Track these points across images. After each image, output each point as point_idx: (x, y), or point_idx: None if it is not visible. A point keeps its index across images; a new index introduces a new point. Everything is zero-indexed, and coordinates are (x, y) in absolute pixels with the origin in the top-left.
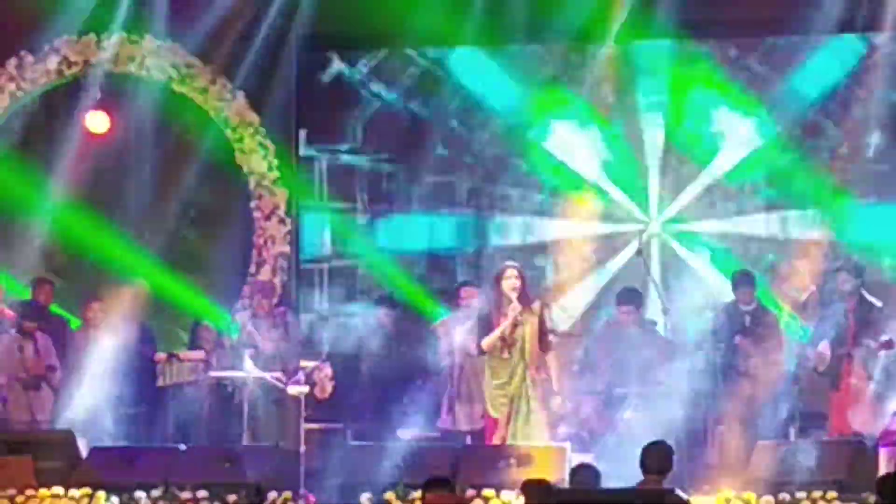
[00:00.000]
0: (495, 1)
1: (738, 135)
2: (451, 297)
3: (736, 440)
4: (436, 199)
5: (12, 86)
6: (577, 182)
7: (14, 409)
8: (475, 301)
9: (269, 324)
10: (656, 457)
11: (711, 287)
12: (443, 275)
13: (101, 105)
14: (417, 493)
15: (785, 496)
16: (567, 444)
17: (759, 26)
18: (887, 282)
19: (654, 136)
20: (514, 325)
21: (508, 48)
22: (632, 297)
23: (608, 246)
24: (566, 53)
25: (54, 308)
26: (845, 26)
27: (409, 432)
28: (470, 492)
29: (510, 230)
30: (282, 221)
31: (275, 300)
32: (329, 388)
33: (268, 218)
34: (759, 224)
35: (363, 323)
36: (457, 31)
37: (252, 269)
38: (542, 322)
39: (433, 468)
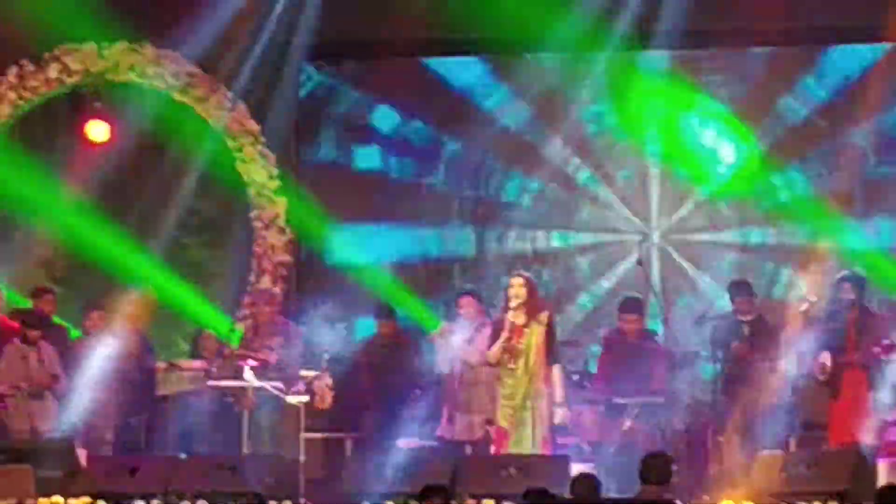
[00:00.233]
0: (497, 11)
1: (736, 145)
2: (449, 306)
3: (736, 450)
4: (436, 209)
5: (13, 94)
6: (576, 191)
7: (15, 418)
8: (473, 310)
9: (269, 333)
10: (656, 467)
11: (711, 297)
12: (442, 284)
13: (102, 114)
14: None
15: None
16: (567, 454)
17: (757, 37)
18: (888, 292)
19: (653, 145)
20: (518, 335)
21: (510, 58)
22: (635, 305)
23: (608, 256)
24: (565, 63)
25: (56, 317)
26: (843, 37)
27: (409, 442)
28: (470, 501)
29: (510, 240)
30: (282, 231)
31: (275, 309)
32: (329, 397)
33: (268, 227)
34: (759, 234)
35: (362, 332)
36: (461, 41)
37: (252, 278)
38: (548, 333)
39: (433, 477)
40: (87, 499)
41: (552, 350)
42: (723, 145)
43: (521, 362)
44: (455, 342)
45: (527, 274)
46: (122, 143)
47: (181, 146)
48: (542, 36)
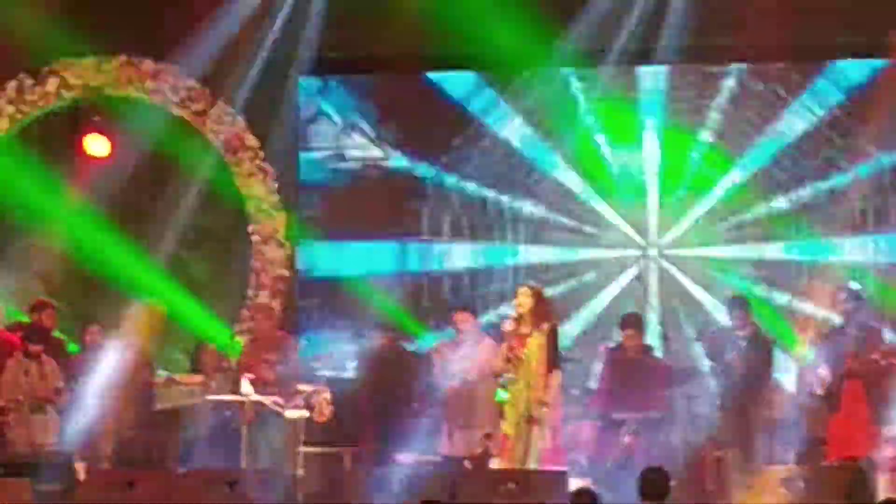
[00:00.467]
0: (495, 25)
1: (734, 162)
2: (446, 321)
3: (734, 465)
4: (436, 223)
5: (11, 108)
6: (575, 207)
7: (16, 432)
8: (469, 325)
9: (267, 347)
10: (654, 482)
11: (709, 312)
12: (441, 299)
13: (101, 128)
14: None
15: None
16: (566, 469)
17: (755, 52)
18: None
19: (652, 161)
20: (521, 345)
21: (508, 74)
22: (634, 321)
23: (607, 272)
24: (563, 79)
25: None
26: (842, 53)
27: (408, 456)
28: None
29: (508, 255)
30: (280, 245)
31: (274, 324)
32: (328, 412)
33: (266, 242)
34: (758, 250)
35: (361, 347)
36: (459, 55)
37: (251, 292)
38: (549, 342)
39: (432, 492)
40: None
41: (551, 359)
42: (719, 161)
43: (522, 372)
44: (451, 357)
45: (534, 285)
46: (121, 157)
47: (180, 161)
48: (541, 52)
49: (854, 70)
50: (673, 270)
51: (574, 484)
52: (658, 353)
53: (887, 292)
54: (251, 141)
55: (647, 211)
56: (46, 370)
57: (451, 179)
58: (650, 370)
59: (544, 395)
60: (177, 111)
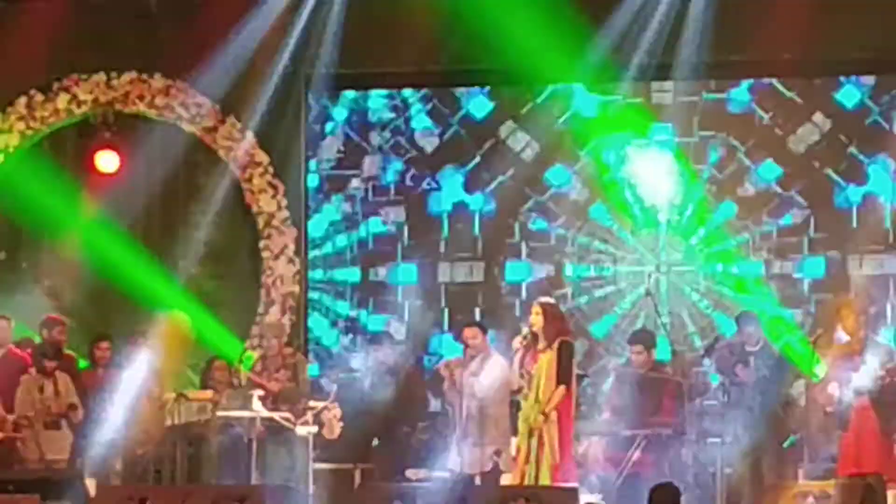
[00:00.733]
0: (504, 42)
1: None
2: (456, 336)
3: (744, 481)
4: (447, 238)
5: (21, 124)
6: (586, 223)
7: (28, 448)
8: (479, 342)
9: (278, 364)
10: (664, 498)
11: (719, 329)
12: (450, 314)
13: (111, 144)
14: None
15: None
16: (577, 485)
17: (771, 69)
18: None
19: (663, 177)
20: (533, 361)
21: (524, 89)
22: (643, 337)
23: (617, 287)
24: (575, 95)
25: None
26: (855, 69)
27: (418, 473)
28: None
29: (520, 271)
30: (291, 261)
31: (284, 340)
32: (338, 428)
33: (277, 257)
34: (768, 266)
35: (371, 363)
36: (472, 72)
37: (261, 308)
38: (559, 358)
39: None
40: None
41: (560, 375)
42: (729, 176)
43: (533, 387)
44: (459, 373)
45: (547, 301)
46: (132, 173)
47: (190, 176)
48: (556, 69)
49: (866, 86)
50: (683, 286)
51: (584, 500)
52: (668, 369)
53: None
54: (261, 156)
55: (657, 227)
56: (60, 387)
57: (465, 196)
58: (659, 386)
59: (554, 412)
60: (187, 127)
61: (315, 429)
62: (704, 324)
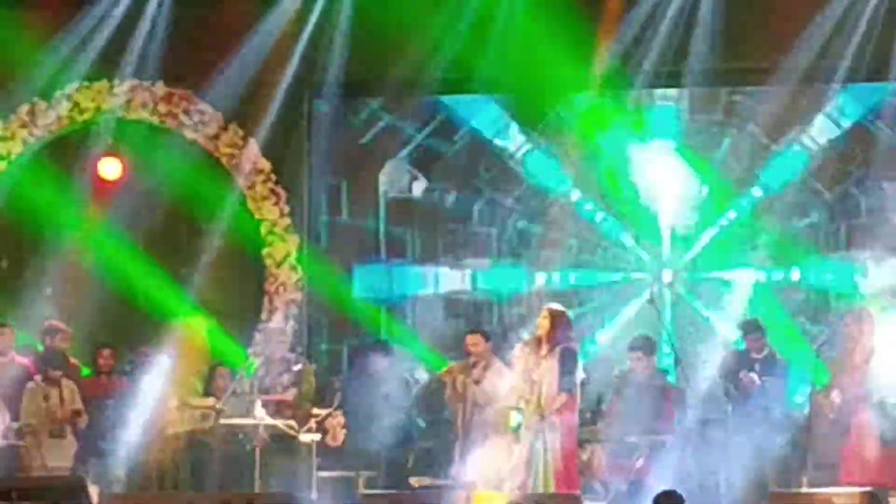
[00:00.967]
0: (513, 50)
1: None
2: (458, 344)
3: (748, 489)
4: (451, 247)
5: (24, 132)
6: (589, 231)
7: (31, 456)
8: (481, 349)
9: (280, 371)
10: None
11: (723, 336)
12: (455, 322)
13: (113, 152)
14: None
15: None
16: (579, 493)
17: (772, 75)
18: None
19: (665, 184)
20: (536, 367)
21: (525, 98)
22: (642, 343)
23: (620, 295)
24: (580, 103)
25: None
26: (854, 77)
27: (422, 481)
28: None
29: (522, 279)
30: (293, 268)
31: (286, 347)
32: (341, 435)
33: (279, 265)
34: (772, 273)
35: (374, 370)
36: (472, 80)
37: (264, 315)
38: (560, 367)
39: None
40: None
41: (560, 382)
42: (733, 184)
43: (534, 393)
44: (462, 381)
45: (557, 307)
46: (134, 180)
47: (192, 183)
48: (561, 77)
49: (873, 92)
50: (686, 294)
51: None
52: (671, 377)
53: None
54: (264, 164)
55: (660, 234)
56: (66, 394)
57: (469, 202)
58: (660, 393)
59: (556, 419)
60: (189, 134)
61: (318, 436)
62: (707, 331)
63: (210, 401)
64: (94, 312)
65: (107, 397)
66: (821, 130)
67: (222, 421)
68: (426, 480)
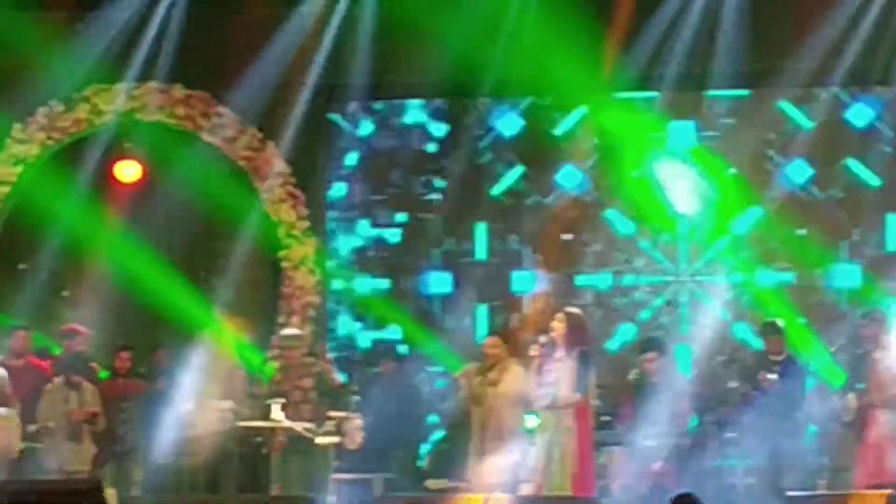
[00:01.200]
0: (535, 54)
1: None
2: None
3: (765, 492)
4: (461, 249)
5: (42, 135)
6: (607, 233)
7: (49, 459)
8: (499, 351)
9: (298, 374)
10: None
11: (741, 338)
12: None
13: (131, 154)
14: None
15: None
16: (596, 496)
17: (787, 78)
18: None
19: (685, 186)
20: (551, 370)
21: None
22: (653, 345)
23: (638, 297)
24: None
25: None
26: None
27: (438, 483)
28: None
29: (538, 281)
30: (311, 271)
31: (304, 350)
32: (359, 438)
33: (297, 268)
34: (788, 275)
35: (392, 373)
36: (493, 86)
37: (281, 318)
38: (576, 369)
39: None
40: None
41: (578, 385)
42: (750, 186)
43: (550, 397)
44: (478, 383)
45: (572, 310)
46: (151, 183)
47: (209, 186)
48: (580, 80)
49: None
50: (704, 296)
51: None
52: (689, 378)
53: None
54: (281, 166)
55: (679, 236)
56: (87, 397)
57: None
58: (675, 394)
59: (573, 423)
60: (207, 137)
61: (336, 438)
62: (726, 333)
63: (228, 403)
64: (112, 315)
65: (124, 400)
66: (839, 134)
67: (240, 423)
68: (442, 483)
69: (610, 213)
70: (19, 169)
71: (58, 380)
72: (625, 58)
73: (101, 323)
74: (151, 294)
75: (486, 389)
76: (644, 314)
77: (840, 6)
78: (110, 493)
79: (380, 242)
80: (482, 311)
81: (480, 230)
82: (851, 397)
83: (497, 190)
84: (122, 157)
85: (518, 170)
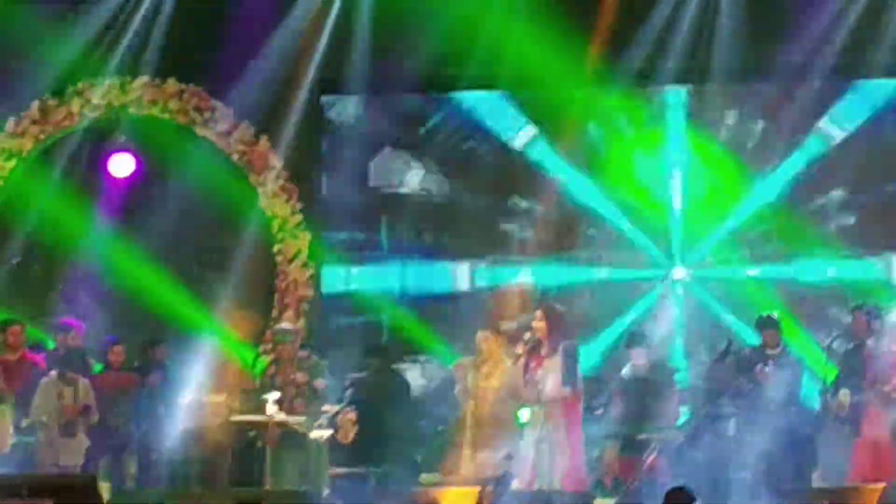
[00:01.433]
0: (528, 48)
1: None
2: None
3: (759, 486)
4: (455, 244)
5: (35, 129)
6: (600, 226)
7: (43, 453)
8: (492, 345)
9: (292, 368)
10: (678, 501)
11: (735, 332)
12: (463, 319)
13: (125, 148)
14: None
15: None
16: (590, 491)
17: (786, 70)
18: None
19: (677, 181)
20: (538, 366)
21: (533, 94)
22: (638, 340)
23: (632, 291)
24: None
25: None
26: (869, 71)
27: (433, 477)
28: None
29: (530, 275)
30: (305, 265)
31: (298, 344)
32: (352, 432)
33: (290, 262)
34: (783, 270)
35: (384, 368)
36: (487, 77)
37: (275, 313)
38: (563, 363)
39: None
40: None
41: (565, 378)
42: (744, 180)
43: (539, 392)
44: (472, 377)
45: (549, 305)
46: (145, 177)
47: (203, 180)
48: (568, 72)
49: (884, 88)
50: (697, 290)
51: None
52: (683, 374)
53: None
54: (275, 160)
55: (671, 230)
56: (80, 392)
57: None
58: (662, 388)
59: (562, 417)
60: (200, 131)
61: (330, 433)
62: (720, 327)
63: (221, 397)
64: (106, 309)
65: (118, 394)
66: (834, 128)
67: (233, 418)
68: (437, 477)
69: (603, 207)
70: (12, 163)
71: (52, 374)
72: (614, 51)
73: (95, 317)
74: (145, 288)
75: (480, 383)
76: (638, 307)
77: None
78: (104, 487)
79: None
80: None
81: None
82: (843, 393)
83: None
84: (116, 150)
85: None
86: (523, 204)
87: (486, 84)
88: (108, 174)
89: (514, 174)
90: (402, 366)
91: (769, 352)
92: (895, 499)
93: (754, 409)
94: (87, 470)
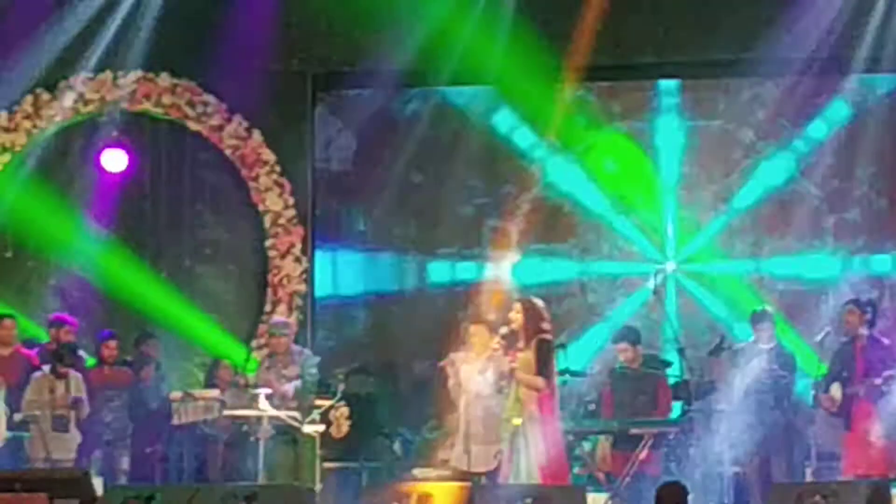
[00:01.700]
0: (512, 41)
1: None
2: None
3: (751, 481)
4: (451, 237)
5: (28, 123)
6: (592, 221)
7: (35, 448)
8: (483, 340)
9: (285, 363)
10: (671, 497)
11: (727, 327)
12: (454, 314)
13: (118, 143)
14: None
15: None
16: (584, 484)
17: (785, 65)
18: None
19: (670, 175)
20: (513, 360)
21: (525, 87)
22: (626, 335)
23: (624, 285)
24: (579, 88)
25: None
26: (867, 66)
27: (425, 472)
28: None
29: (519, 269)
30: (297, 260)
31: (292, 338)
32: (345, 427)
33: (284, 256)
34: (777, 264)
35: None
36: (473, 71)
37: (268, 307)
38: (537, 358)
39: None
40: None
41: (539, 373)
42: (738, 175)
43: (513, 387)
44: (463, 371)
45: (527, 299)
46: (138, 172)
47: (196, 175)
48: (552, 67)
49: (878, 83)
50: (690, 285)
51: (592, 499)
52: (675, 368)
53: None
54: (267, 155)
55: (664, 225)
56: (72, 386)
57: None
58: (653, 383)
59: (537, 411)
60: (193, 126)
61: (322, 427)
62: (713, 323)
63: (214, 392)
64: (98, 304)
65: (111, 388)
66: (823, 124)
67: (226, 413)
68: (430, 472)
69: (595, 202)
70: (6, 158)
71: (44, 369)
72: (597, 46)
73: (87, 312)
74: (137, 283)
75: (472, 377)
76: (629, 303)
77: None
78: (97, 482)
79: None
80: None
81: None
82: (835, 387)
83: None
84: (109, 145)
85: None
86: (511, 197)
87: (472, 80)
88: (102, 169)
89: (501, 166)
90: (393, 361)
91: (762, 346)
92: (888, 493)
93: (747, 403)
94: (80, 464)
